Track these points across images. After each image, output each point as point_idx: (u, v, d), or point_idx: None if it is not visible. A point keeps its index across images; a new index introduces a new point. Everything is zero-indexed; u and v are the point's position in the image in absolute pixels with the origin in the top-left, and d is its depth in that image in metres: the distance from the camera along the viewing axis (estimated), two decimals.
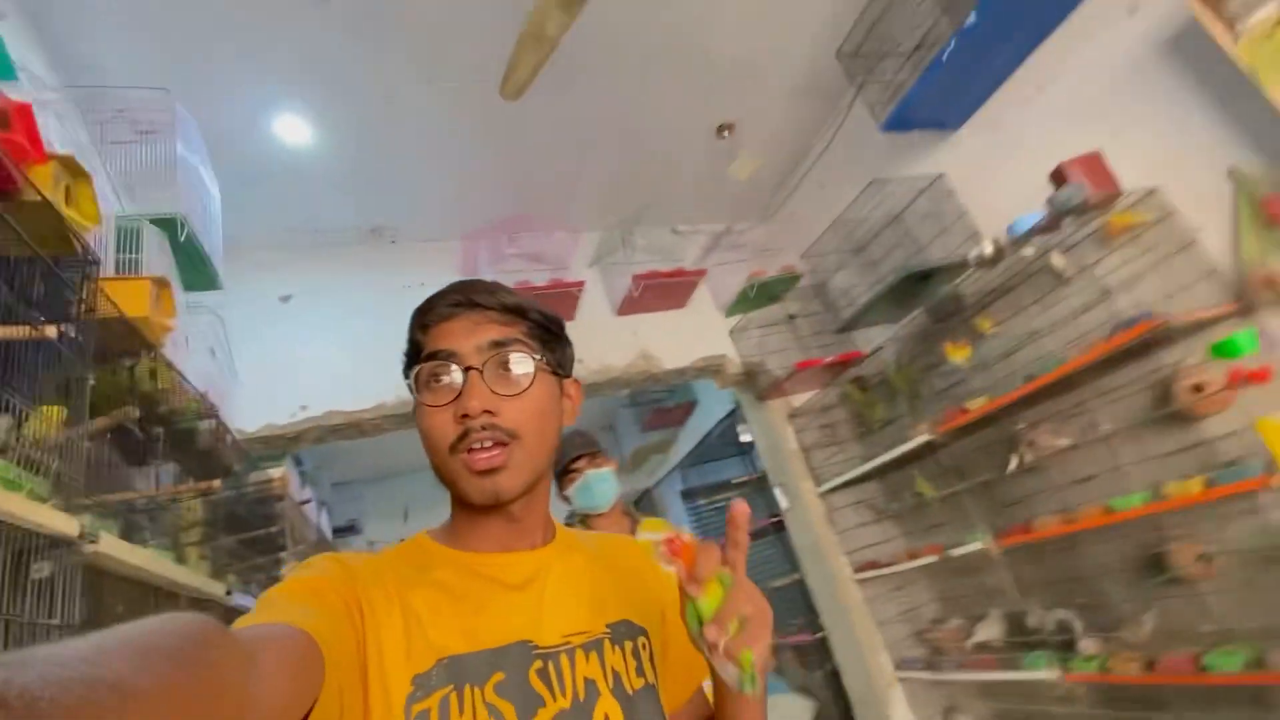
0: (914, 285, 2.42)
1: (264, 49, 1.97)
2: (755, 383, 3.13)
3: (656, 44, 2.30)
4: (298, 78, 2.10)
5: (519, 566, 0.66)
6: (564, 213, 2.97)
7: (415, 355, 0.65)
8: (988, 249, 2.05)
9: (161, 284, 1.48)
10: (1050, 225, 1.93)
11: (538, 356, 0.65)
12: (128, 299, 1.32)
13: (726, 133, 2.79)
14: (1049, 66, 2.11)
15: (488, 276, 0.84)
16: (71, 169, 1.19)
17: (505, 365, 0.63)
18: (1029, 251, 2.00)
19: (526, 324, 0.67)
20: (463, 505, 0.66)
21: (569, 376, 0.72)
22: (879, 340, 2.70)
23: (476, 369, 0.62)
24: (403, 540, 0.69)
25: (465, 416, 0.60)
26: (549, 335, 0.69)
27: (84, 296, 1.11)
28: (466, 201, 2.81)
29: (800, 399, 3.16)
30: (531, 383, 0.64)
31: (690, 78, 2.48)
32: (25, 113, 1.07)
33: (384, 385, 2.55)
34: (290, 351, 2.55)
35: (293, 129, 2.26)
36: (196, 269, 1.81)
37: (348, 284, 2.75)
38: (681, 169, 2.96)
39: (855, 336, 2.95)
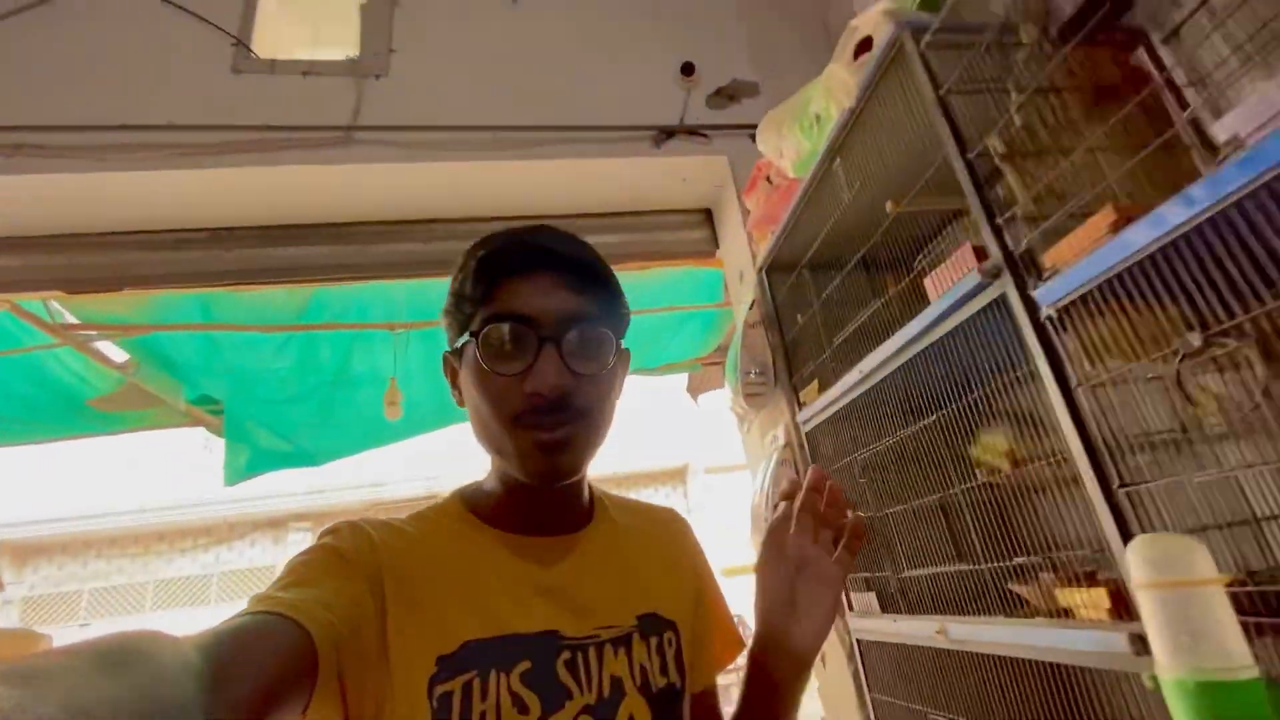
0: None
1: None
2: None
3: None
4: None
5: (556, 550, 0.62)
6: None
7: (473, 304, 0.57)
8: None
9: None
10: None
11: (616, 336, 0.60)
12: None
13: None
14: None
15: None
16: None
17: (586, 343, 0.57)
18: None
19: (603, 292, 0.60)
20: (507, 479, 0.61)
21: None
22: None
23: (554, 342, 0.56)
24: (433, 503, 0.64)
25: (537, 394, 0.55)
26: (618, 304, 0.63)
27: None
28: None
29: None
30: (610, 364, 0.59)
31: None
32: None
33: None
34: None
35: None
36: None
37: None
38: None
39: None
